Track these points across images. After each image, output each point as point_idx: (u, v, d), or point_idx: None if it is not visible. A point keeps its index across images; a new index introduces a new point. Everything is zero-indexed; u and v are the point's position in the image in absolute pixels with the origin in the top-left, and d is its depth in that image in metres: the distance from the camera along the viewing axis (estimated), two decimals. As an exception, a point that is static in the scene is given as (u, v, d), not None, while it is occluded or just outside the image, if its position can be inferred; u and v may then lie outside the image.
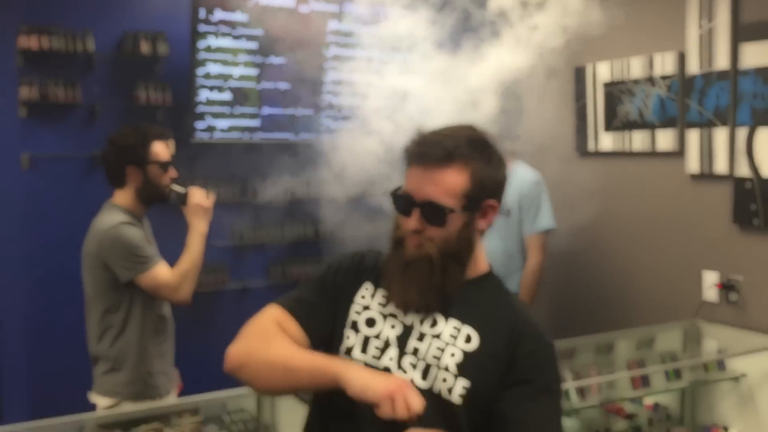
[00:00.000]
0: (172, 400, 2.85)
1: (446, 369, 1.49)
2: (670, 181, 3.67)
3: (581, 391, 2.84)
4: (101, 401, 2.76)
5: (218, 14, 3.79)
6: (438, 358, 1.50)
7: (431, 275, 1.52)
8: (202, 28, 3.77)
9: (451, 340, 1.52)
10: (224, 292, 4.10)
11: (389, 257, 1.59)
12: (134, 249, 2.66)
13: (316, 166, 4.02)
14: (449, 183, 1.51)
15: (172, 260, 2.80)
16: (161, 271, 2.69)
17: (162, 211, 2.98)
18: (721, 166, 3.40)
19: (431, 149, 1.53)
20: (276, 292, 3.88)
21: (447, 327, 1.53)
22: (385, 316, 1.57)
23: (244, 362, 1.54)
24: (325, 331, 1.61)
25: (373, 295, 1.60)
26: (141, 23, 3.83)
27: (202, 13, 3.75)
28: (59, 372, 3.64)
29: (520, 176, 3.61)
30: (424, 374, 1.50)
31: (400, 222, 1.57)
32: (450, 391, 1.47)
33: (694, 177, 3.55)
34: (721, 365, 3.24)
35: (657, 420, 3.20)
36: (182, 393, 2.92)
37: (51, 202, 3.70)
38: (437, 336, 1.52)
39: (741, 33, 3.28)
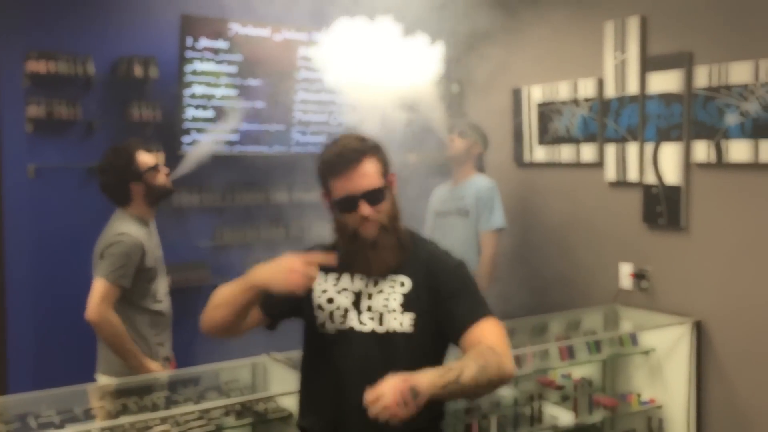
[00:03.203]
0: (174, 371, 3.11)
1: (394, 311, 1.92)
2: (591, 187, 4.05)
3: (518, 360, 3.16)
4: (105, 381, 2.99)
5: (203, 42, 4.07)
6: (386, 306, 1.93)
7: (391, 239, 1.94)
8: (189, 54, 4.04)
9: (390, 290, 1.94)
10: (206, 287, 4.27)
11: (352, 249, 1.94)
12: (129, 260, 2.90)
13: (287, 175, 4.42)
14: (371, 170, 1.92)
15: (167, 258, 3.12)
16: (98, 286, 2.85)
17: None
18: (633, 174, 3.80)
19: (346, 156, 1.91)
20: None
21: (386, 282, 1.95)
22: (339, 292, 1.97)
23: (206, 319, 1.96)
24: (284, 313, 2.03)
25: (326, 280, 1.99)
26: (135, 49, 4.09)
27: (189, 41, 4.03)
28: (63, 355, 3.89)
29: (477, 183, 4.01)
30: (380, 321, 1.92)
31: (348, 220, 1.92)
32: (402, 324, 1.92)
33: (611, 184, 3.94)
34: (634, 341, 3.61)
35: (581, 387, 3.49)
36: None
37: (54, 208, 3.94)
38: (381, 291, 1.95)
39: (648, 64, 3.71)
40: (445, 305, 1.94)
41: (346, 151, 1.93)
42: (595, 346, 3.50)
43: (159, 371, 3.02)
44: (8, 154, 3.83)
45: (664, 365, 3.64)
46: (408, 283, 1.96)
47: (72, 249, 3.87)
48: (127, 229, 2.97)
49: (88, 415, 2.57)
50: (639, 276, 3.82)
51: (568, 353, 3.40)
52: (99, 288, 2.88)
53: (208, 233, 4.44)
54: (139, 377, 2.93)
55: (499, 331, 1.90)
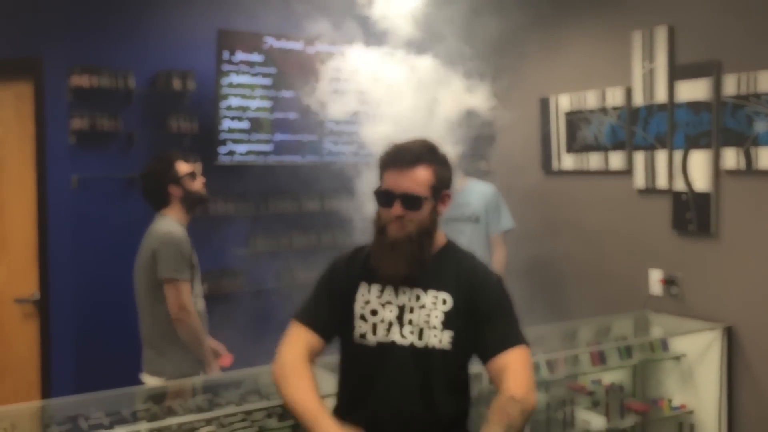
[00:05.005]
0: (215, 375, 3.20)
1: (435, 327, 1.98)
2: (620, 194, 4.09)
3: (550, 365, 3.26)
4: (151, 380, 3.14)
5: (239, 55, 4.19)
6: (428, 322, 1.98)
7: (412, 249, 1.96)
8: (225, 67, 4.16)
9: (432, 306, 1.99)
10: (241, 294, 4.41)
11: (375, 242, 2.00)
12: (182, 254, 3.08)
13: (319, 184, 4.50)
14: (420, 178, 1.96)
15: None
16: (169, 289, 3.06)
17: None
18: (662, 182, 3.85)
19: (404, 154, 1.97)
20: (285, 295, 4.29)
21: (428, 298, 2.00)
22: (383, 305, 2.01)
23: (278, 384, 1.98)
24: (332, 327, 2.07)
25: (369, 291, 2.04)
26: (173, 63, 4.20)
27: (225, 55, 4.15)
28: (105, 359, 3.99)
29: (481, 190, 4.10)
30: (420, 336, 1.98)
31: (382, 214, 1.98)
32: (441, 342, 1.98)
33: (640, 191, 3.98)
34: (665, 346, 3.66)
35: (613, 393, 3.54)
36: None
37: (96, 216, 4.05)
38: (423, 306, 1.99)
39: (676, 73, 3.75)
40: (481, 327, 1.99)
41: (405, 151, 1.99)
42: (626, 352, 3.53)
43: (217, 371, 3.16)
44: (53, 164, 3.96)
45: (695, 371, 3.67)
46: (449, 301, 2.00)
47: (112, 255, 3.98)
48: (171, 228, 3.15)
49: (135, 417, 2.65)
50: (669, 282, 3.85)
51: (599, 359, 3.44)
52: (170, 290, 3.07)
53: (242, 241, 4.52)
54: (182, 381, 3.02)
55: (525, 361, 1.96)
